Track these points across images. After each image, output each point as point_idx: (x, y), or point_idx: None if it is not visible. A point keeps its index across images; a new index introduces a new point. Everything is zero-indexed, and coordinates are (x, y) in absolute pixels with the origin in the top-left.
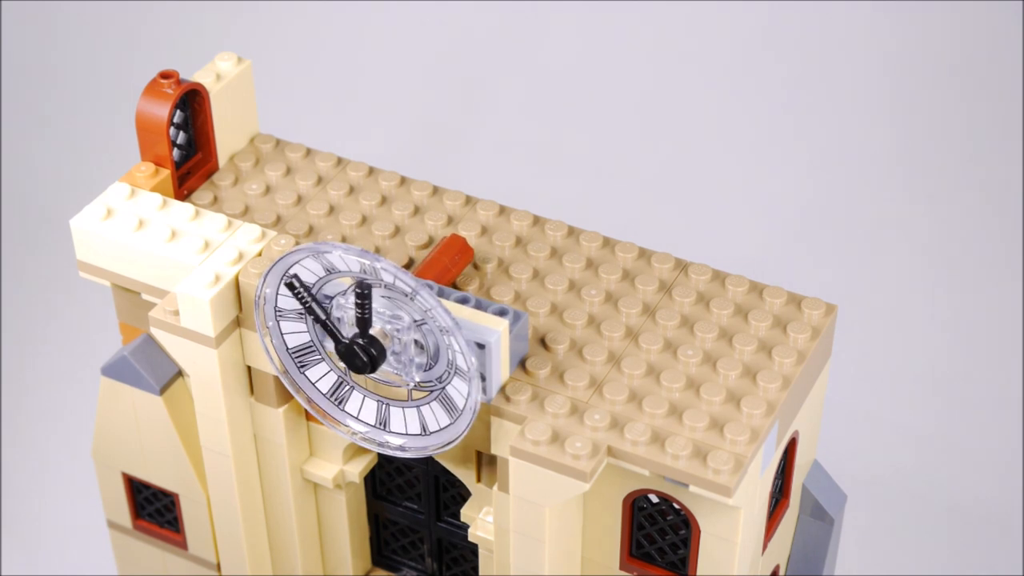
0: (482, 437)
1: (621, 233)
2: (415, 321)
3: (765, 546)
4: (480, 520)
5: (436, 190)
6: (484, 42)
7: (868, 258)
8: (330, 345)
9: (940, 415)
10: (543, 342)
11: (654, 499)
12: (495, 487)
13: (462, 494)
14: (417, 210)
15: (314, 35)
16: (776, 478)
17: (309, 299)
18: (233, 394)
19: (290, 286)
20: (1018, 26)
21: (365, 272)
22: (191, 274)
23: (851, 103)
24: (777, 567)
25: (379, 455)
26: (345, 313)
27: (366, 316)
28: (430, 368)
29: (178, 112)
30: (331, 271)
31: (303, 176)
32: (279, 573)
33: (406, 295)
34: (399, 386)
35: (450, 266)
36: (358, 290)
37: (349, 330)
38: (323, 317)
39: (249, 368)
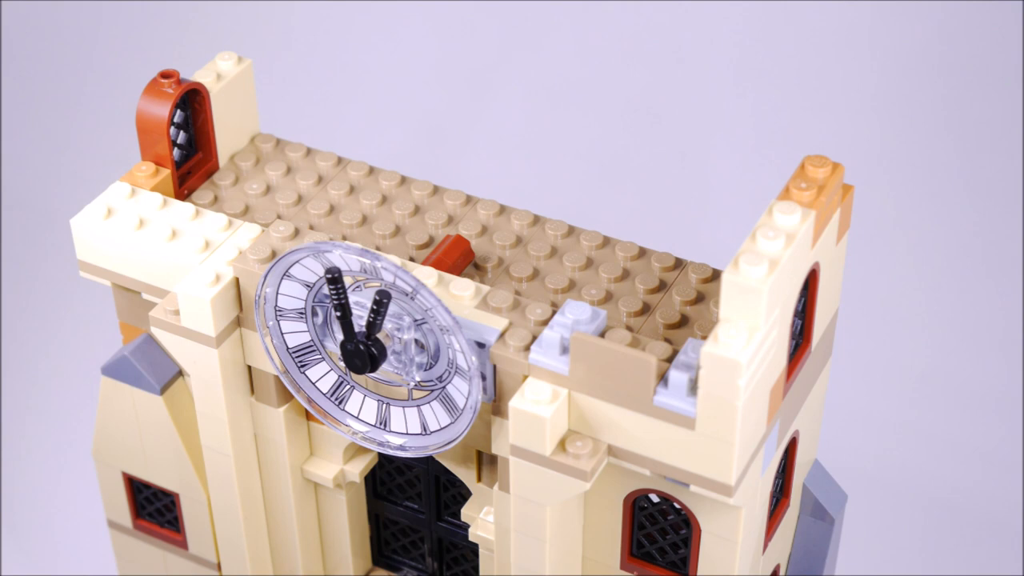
0: (483, 436)
1: (621, 233)
2: (415, 320)
3: (766, 546)
4: (481, 520)
5: (436, 190)
6: (485, 42)
7: (868, 258)
8: (331, 345)
9: (940, 415)
10: None
11: (655, 499)
12: (496, 487)
13: (462, 494)
14: (417, 210)
15: (314, 35)
16: (777, 477)
17: (344, 297)
18: (234, 394)
19: (331, 280)
20: (1018, 26)
21: (366, 271)
22: (191, 274)
23: (850, 103)
24: (777, 567)
25: (379, 455)
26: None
27: (378, 322)
28: (431, 367)
29: (178, 112)
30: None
31: (303, 176)
32: (279, 573)
33: (407, 294)
34: (399, 385)
35: (450, 265)
36: (378, 297)
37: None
38: (349, 315)
39: (249, 368)
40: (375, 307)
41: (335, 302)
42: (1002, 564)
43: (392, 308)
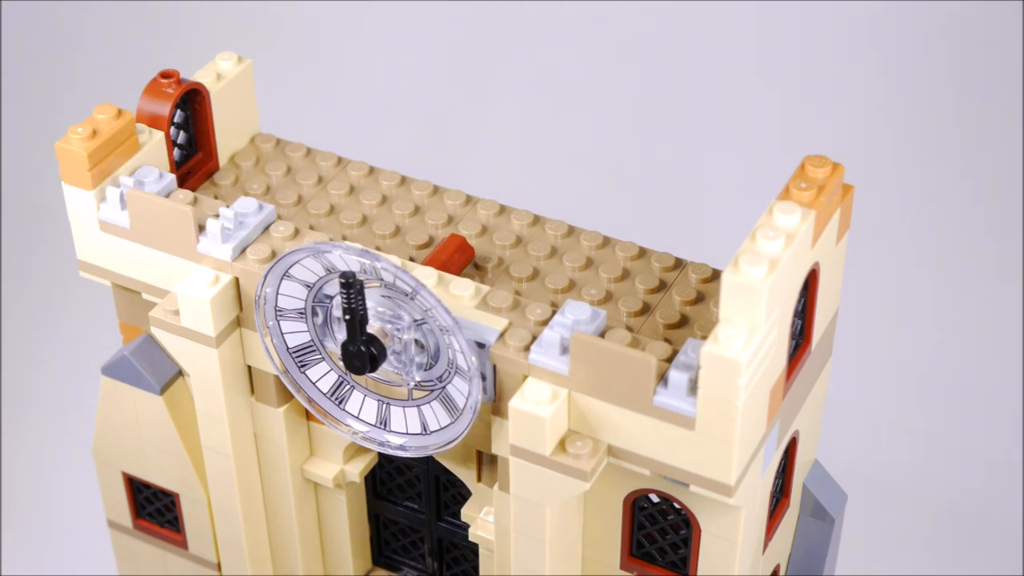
0: (483, 436)
1: (621, 233)
2: (415, 320)
3: (766, 546)
4: (481, 520)
5: (436, 190)
6: (485, 42)
7: (868, 258)
8: (331, 345)
9: (940, 415)
10: None
11: (655, 499)
12: (496, 487)
13: (462, 494)
14: (417, 210)
15: (314, 35)
16: (777, 477)
17: (355, 302)
18: (234, 394)
19: (345, 285)
20: (1018, 26)
21: (365, 272)
22: (191, 274)
23: (850, 103)
24: (777, 567)
25: (379, 455)
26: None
27: (353, 307)
28: (431, 367)
29: (178, 112)
30: (331, 271)
31: (303, 176)
32: (279, 573)
33: (406, 294)
34: (400, 385)
35: (450, 266)
36: (342, 280)
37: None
38: (357, 320)
39: (249, 368)
40: (345, 292)
41: (346, 306)
42: (1002, 564)
43: (392, 308)
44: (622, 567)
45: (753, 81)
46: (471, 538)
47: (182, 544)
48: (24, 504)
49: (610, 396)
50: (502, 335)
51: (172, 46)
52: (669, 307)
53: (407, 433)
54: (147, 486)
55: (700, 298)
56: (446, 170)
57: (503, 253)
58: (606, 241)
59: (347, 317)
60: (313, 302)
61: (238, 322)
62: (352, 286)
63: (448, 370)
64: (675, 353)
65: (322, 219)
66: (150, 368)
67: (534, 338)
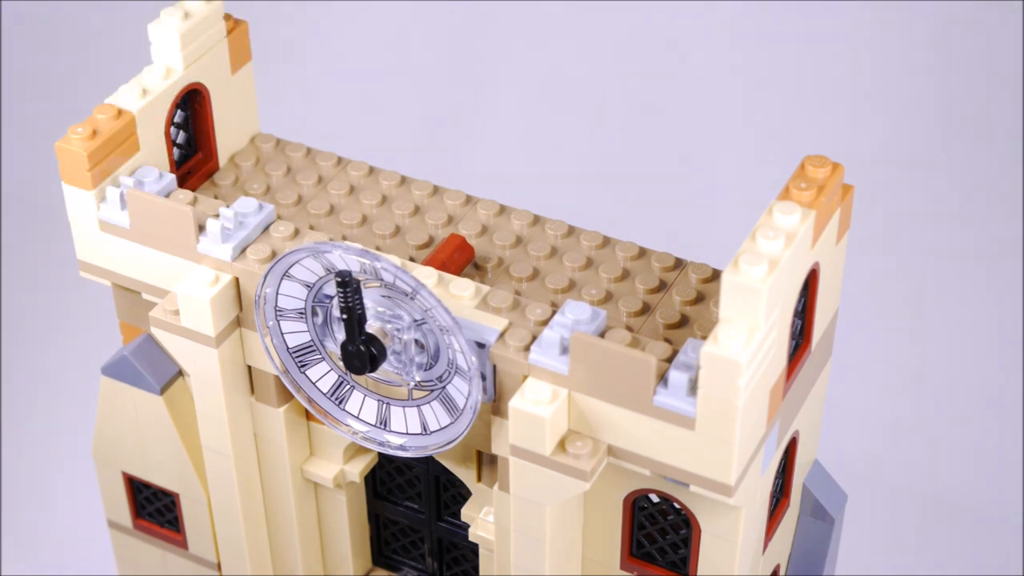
0: (483, 436)
1: (621, 233)
2: (415, 320)
3: (766, 546)
4: (481, 520)
5: (436, 190)
6: (485, 41)
7: (868, 258)
8: (331, 345)
9: (941, 415)
10: None
11: (655, 499)
12: (496, 487)
13: (462, 494)
14: (417, 210)
15: (314, 35)
16: (777, 477)
17: (352, 301)
18: (234, 394)
19: (341, 284)
20: (1018, 26)
21: (365, 271)
22: (191, 273)
23: (850, 103)
24: (778, 567)
25: (379, 455)
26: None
27: (350, 306)
28: (431, 367)
29: (178, 112)
30: (331, 271)
31: (303, 176)
32: (279, 573)
33: (406, 294)
34: (399, 385)
35: (450, 266)
36: (339, 279)
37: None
38: (355, 319)
39: (249, 368)
40: (342, 291)
41: (343, 305)
42: (1002, 564)
43: (392, 308)
44: (622, 567)
45: (753, 81)
46: (471, 538)
47: (182, 544)
48: (24, 504)
49: (610, 396)
50: (502, 335)
51: None
52: (669, 307)
53: (407, 433)
54: (147, 486)
55: (700, 298)
56: (446, 170)
57: (503, 253)
58: (606, 241)
59: (344, 316)
60: (313, 302)
61: (238, 322)
62: (349, 285)
63: (448, 370)
64: (675, 353)
65: (322, 219)
66: (150, 368)
67: (534, 338)
